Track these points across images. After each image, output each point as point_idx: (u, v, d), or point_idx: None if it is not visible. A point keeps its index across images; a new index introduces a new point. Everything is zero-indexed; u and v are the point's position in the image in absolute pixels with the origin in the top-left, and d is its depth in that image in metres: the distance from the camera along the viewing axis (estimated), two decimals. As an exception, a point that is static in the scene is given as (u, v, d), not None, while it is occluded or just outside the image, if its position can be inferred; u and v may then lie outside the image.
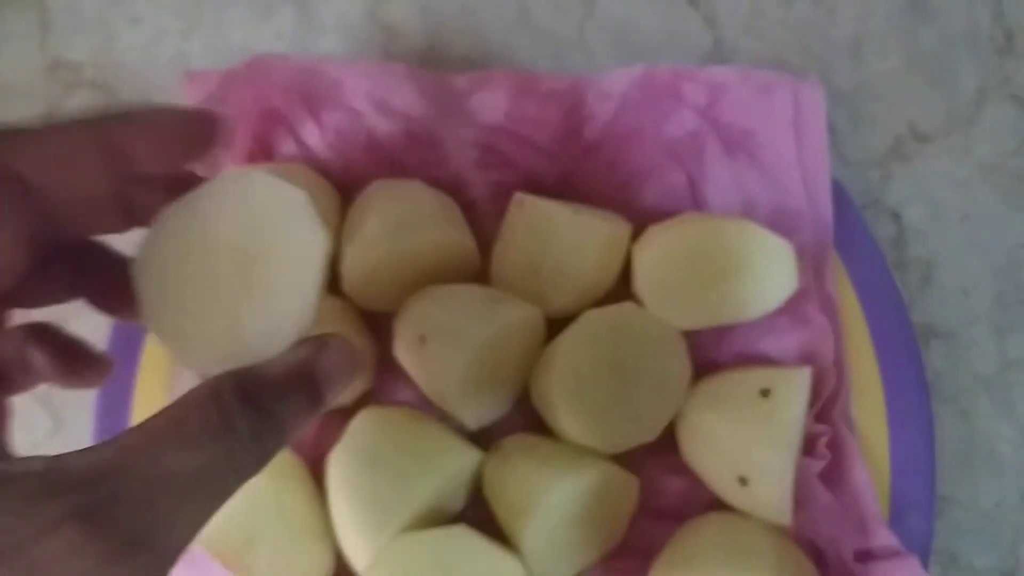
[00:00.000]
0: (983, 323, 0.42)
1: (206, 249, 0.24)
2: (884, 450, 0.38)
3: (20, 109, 0.46)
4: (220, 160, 0.40)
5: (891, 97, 0.46)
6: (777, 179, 0.40)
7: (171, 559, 0.20)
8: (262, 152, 0.41)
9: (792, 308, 0.39)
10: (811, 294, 0.39)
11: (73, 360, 0.27)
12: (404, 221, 0.38)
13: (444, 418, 0.38)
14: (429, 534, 0.33)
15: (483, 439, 0.38)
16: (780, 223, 0.39)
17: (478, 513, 0.37)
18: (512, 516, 0.34)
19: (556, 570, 0.35)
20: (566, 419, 0.35)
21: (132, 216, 0.26)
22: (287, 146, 0.41)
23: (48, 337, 0.27)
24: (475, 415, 0.37)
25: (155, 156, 0.24)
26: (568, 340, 0.36)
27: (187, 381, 0.39)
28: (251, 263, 0.23)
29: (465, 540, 0.33)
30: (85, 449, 0.19)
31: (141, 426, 0.20)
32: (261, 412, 0.21)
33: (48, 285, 0.26)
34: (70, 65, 0.47)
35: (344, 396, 0.38)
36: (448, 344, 0.35)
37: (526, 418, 0.39)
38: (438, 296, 0.37)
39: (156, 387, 0.40)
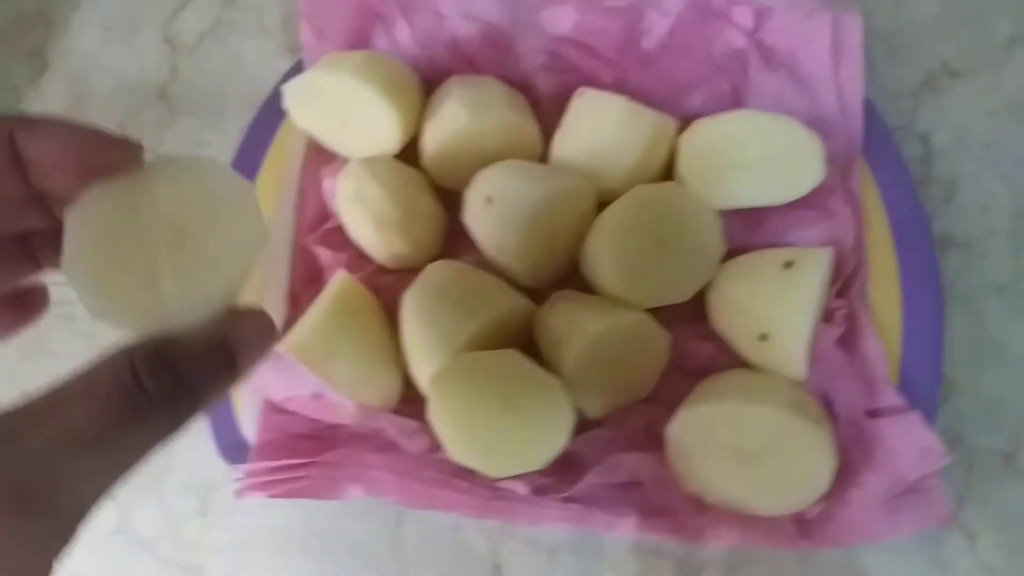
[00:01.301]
0: (1000, 236, 0.46)
1: (144, 216, 0.24)
2: (897, 332, 0.42)
3: (153, 8, 0.53)
4: (323, 49, 0.46)
5: (927, 36, 0.50)
6: (813, 92, 0.45)
7: (74, 523, 0.19)
8: (360, 45, 0.47)
9: (819, 203, 0.43)
10: (837, 191, 0.43)
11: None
12: (479, 104, 0.43)
13: (501, 276, 0.43)
14: (484, 354, 0.38)
15: (537, 299, 0.43)
16: (813, 130, 0.44)
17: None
18: (555, 348, 0.39)
19: (591, 401, 0.40)
20: (609, 275, 0.40)
21: (49, 210, 0.27)
22: (380, 41, 0.47)
23: None
24: (529, 272, 0.42)
25: (58, 170, 0.24)
26: (617, 208, 0.41)
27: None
28: (187, 236, 0.24)
29: (516, 360, 0.38)
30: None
31: (51, 388, 0.20)
32: (175, 376, 0.21)
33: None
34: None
35: (416, 260, 0.44)
36: (511, 204, 0.41)
37: (576, 287, 0.44)
38: (506, 166, 0.42)
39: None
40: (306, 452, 0.40)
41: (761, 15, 0.45)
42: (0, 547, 0.18)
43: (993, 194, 0.47)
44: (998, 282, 0.46)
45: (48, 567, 0.19)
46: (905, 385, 0.41)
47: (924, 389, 0.41)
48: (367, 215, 0.42)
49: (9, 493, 0.18)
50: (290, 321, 0.43)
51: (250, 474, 0.40)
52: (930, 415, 0.41)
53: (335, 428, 0.42)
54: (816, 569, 0.41)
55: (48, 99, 0.51)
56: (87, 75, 0.51)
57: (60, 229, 0.24)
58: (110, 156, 0.25)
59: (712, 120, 0.43)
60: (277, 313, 0.43)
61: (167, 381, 0.21)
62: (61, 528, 0.19)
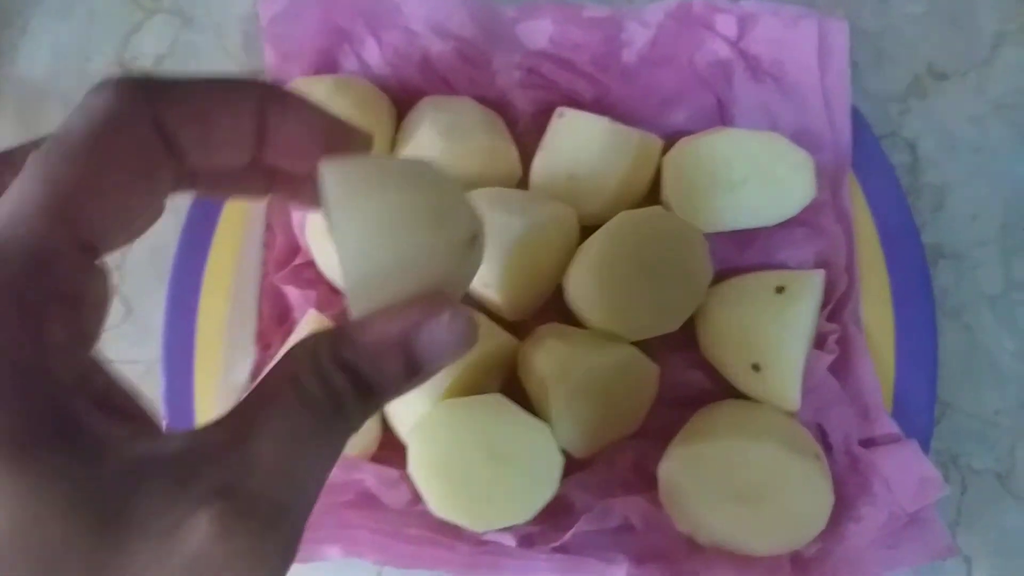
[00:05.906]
0: (990, 246, 0.45)
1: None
2: (890, 352, 0.41)
3: (105, 32, 0.50)
4: (288, 71, 0.44)
5: (912, 38, 0.49)
6: (801, 103, 0.43)
7: (305, 520, 0.19)
8: (326, 66, 0.45)
9: (809, 220, 0.42)
10: (828, 207, 0.42)
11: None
12: (455, 129, 0.42)
13: (483, 310, 0.41)
14: (467, 400, 0.37)
15: (518, 332, 0.41)
16: (802, 143, 0.42)
17: (512, 396, 0.40)
18: (542, 388, 0.38)
19: (579, 442, 0.38)
20: (594, 308, 0.39)
21: (270, 185, 0.26)
22: (349, 61, 0.45)
23: None
24: (513, 306, 0.40)
25: (294, 150, 0.24)
26: (601, 236, 0.39)
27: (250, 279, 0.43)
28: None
29: (500, 406, 0.37)
30: (219, 420, 0.19)
31: (257, 391, 0.20)
32: (355, 379, 0.20)
33: None
34: (151, -7, 0.51)
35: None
36: (490, 237, 0.39)
37: (559, 317, 0.42)
38: (482, 196, 0.40)
39: (222, 281, 0.43)
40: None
41: (745, 23, 0.44)
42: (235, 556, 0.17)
43: (983, 201, 0.46)
44: (990, 293, 0.45)
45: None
46: (899, 409, 0.40)
47: (919, 413, 0.40)
48: (340, 249, 0.40)
49: (263, 513, 0.18)
50: (260, 364, 0.42)
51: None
52: (925, 440, 0.40)
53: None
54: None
55: (-4, 131, 0.49)
56: (37, 105, 0.48)
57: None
58: (347, 145, 0.24)
59: (697, 139, 0.42)
60: (246, 356, 0.42)
61: (352, 383, 0.20)
62: (298, 534, 0.19)
